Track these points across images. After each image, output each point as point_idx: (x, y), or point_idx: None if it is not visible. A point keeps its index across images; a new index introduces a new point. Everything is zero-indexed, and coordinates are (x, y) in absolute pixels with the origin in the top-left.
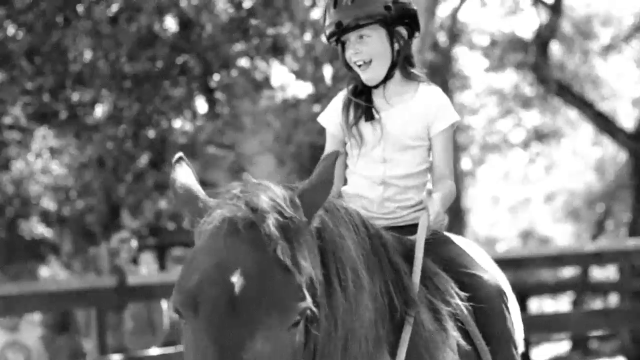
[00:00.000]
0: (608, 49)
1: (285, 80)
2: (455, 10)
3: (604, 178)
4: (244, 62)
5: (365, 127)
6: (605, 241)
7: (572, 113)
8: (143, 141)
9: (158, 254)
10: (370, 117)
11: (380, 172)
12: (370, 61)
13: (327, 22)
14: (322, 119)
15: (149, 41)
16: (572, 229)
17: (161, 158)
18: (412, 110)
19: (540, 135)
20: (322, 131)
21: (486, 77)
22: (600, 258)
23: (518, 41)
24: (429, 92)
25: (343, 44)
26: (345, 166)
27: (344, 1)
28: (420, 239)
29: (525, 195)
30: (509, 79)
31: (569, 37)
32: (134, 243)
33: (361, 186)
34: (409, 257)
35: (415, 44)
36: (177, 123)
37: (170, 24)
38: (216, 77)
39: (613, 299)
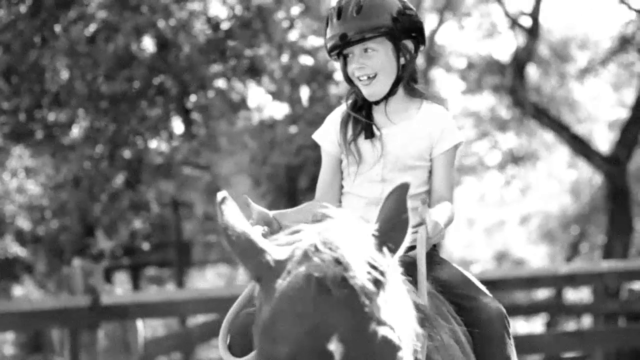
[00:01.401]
0: (585, 72)
1: (261, 102)
2: (433, 33)
3: (579, 200)
4: (221, 83)
5: (364, 144)
6: (579, 263)
7: (548, 136)
8: (119, 161)
9: (132, 274)
10: (370, 135)
11: (378, 193)
12: (375, 75)
13: (329, 34)
14: (317, 136)
15: (126, 61)
16: (547, 250)
17: (137, 178)
18: (415, 129)
19: (516, 158)
20: (298, 152)
21: (463, 99)
22: (574, 280)
23: (495, 64)
24: (434, 111)
25: (345, 57)
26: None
27: (349, 12)
28: (421, 253)
29: (501, 217)
30: (486, 101)
31: (546, 60)
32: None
33: (356, 207)
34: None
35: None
36: (153, 143)
37: (148, 44)
38: (193, 98)
39: (587, 321)
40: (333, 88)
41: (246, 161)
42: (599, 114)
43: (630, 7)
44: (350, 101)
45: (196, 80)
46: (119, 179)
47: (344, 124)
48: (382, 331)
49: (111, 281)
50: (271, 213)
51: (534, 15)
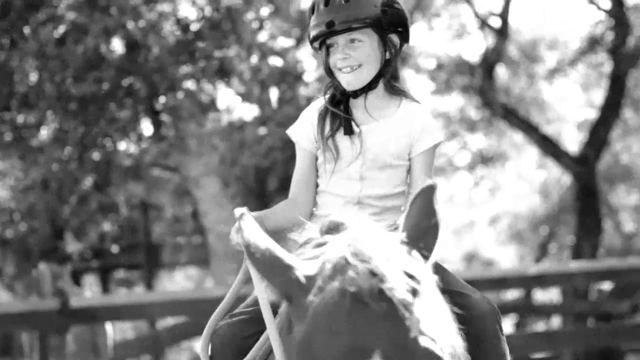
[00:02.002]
0: (554, 73)
1: (231, 103)
2: None
3: (548, 201)
4: (190, 84)
5: (342, 140)
6: (548, 264)
7: (518, 136)
8: (88, 163)
9: (101, 277)
10: (349, 131)
11: (355, 191)
12: (359, 67)
13: (314, 22)
14: (292, 132)
15: (95, 63)
16: (516, 251)
17: (106, 180)
18: (395, 127)
19: (485, 159)
20: (268, 153)
21: (432, 100)
22: (543, 280)
23: (464, 64)
24: (413, 110)
25: (327, 48)
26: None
27: (337, 0)
28: None
29: (470, 218)
30: (455, 102)
31: (515, 61)
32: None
33: (333, 206)
34: None
35: None
36: (122, 145)
37: (117, 45)
38: (162, 99)
39: (556, 322)
40: (302, 89)
41: (215, 163)
42: (568, 115)
43: (599, 8)
44: (327, 95)
45: (165, 82)
46: (88, 181)
47: (322, 119)
48: (424, 343)
49: (80, 284)
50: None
51: (503, 15)
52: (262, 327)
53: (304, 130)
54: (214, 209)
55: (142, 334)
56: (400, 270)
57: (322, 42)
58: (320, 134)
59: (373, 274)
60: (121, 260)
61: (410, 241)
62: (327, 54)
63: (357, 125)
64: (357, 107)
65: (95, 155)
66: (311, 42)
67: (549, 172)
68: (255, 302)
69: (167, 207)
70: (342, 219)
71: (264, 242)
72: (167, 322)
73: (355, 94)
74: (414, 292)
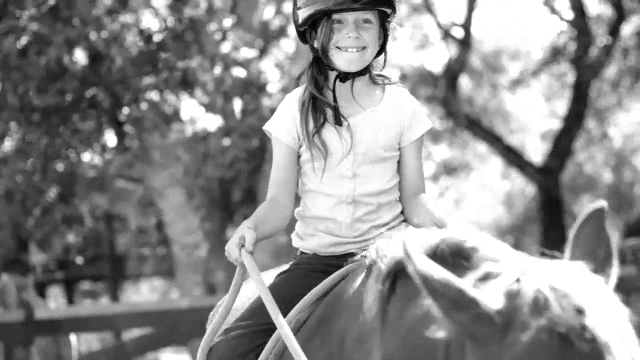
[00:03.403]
0: (517, 83)
1: (194, 114)
2: None
3: (513, 211)
4: (153, 95)
5: (329, 135)
6: None
7: (481, 147)
8: (52, 175)
9: (66, 288)
10: (338, 122)
11: (349, 190)
12: (364, 48)
13: None
14: (271, 127)
15: (58, 74)
16: None
17: (70, 192)
18: (383, 116)
19: (449, 169)
20: (232, 164)
21: None
22: None
23: (428, 75)
24: (400, 96)
25: (315, 29)
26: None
27: None
28: None
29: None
30: None
31: (478, 71)
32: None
33: (325, 207)
34: None
35: None
36: (86, 156)
37: (80, 57)
38: (125, 110)
39: None
40: (266, 100)
41: (179, 173)
42: (532, 125)
43: (561, 18)
44: (310, 83)
45: (129, 93)
46: (52, 193)
47: (305, 112)
48: None
49: (45, 295)
50: (249, 231)
51: (466, 26)
52: (260, 342)
53: (284, 125)
54: (178, 220)
55: (108, 345)
56: (600, 305)
57: (317, 19)
58: (304, 129)
59: (579, 311)
60: (86, 271)
61: (593, 270)
62: (330, 31)
63: (344, 118)
64: (342, 96)
65: (59, 167)
66: (311, 16)
67: (513, 183)
68: (250, 317)
69: (131, 219)
70: (464, 240)
71: (442, 272)
72: (132, 333)
73: (346, 77)
74: (619, 329)
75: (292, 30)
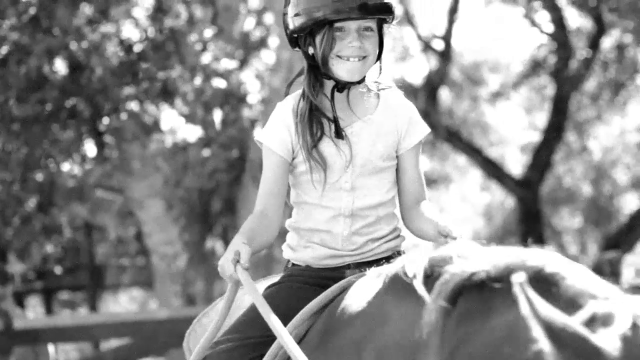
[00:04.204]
0: (496, 96)
1: (174, 124)
2: None
3: (492, 224)
4: (133, 105)
5: (327, 147)
6: None
7: (461, 159)
8: (31, 184)
9: (45, 298)
10: (338, 135)
11: (347, 203)
12: (365, 57)
13: (325, 2)
14: (264, 137)
15: (38, 84)
16: None
17: (49, 201)
18: (380, 124)
19: (429, 181)
20: (211, 175)
21: None
22: None
23: (408, 87)
24: (396, 101)
25: (313, 36)
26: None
27: None
28: None
29: (414, 241)
30: None
31: (458, 84)
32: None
33: (321, 219)
34: None
35: None
36: (66, 166)
37: (60, 66)
38: (105, 120)
39: None
40: (246, 111)
41: (159, 184)
42: (511, 137)
43: (541, 31)
44: (310, 91)
45: (109, 103)
46: (31, 202)
47: (303, 123)
48: None
49: (23, 305)
50: (244, 247)
51: (446, 38)
52: (251, 356)
53: (277, 135)
54: (157, 231)
55: (86, 355)
56: None
57: (316, 27)
58: (303, 141)
59: None
60: (65, 281)
61: None
62: (333, 40)
63: (342, 129)
64: (338, 105)
65: (39, 177)
66: (311, 23)
67: (493, 195)
68: (240, 329)
69: (110, 229)
70: (543, 265)
71: (562, 319)
72: (110, 343)
73: (344, 87)
74: None
75: (272, 41)
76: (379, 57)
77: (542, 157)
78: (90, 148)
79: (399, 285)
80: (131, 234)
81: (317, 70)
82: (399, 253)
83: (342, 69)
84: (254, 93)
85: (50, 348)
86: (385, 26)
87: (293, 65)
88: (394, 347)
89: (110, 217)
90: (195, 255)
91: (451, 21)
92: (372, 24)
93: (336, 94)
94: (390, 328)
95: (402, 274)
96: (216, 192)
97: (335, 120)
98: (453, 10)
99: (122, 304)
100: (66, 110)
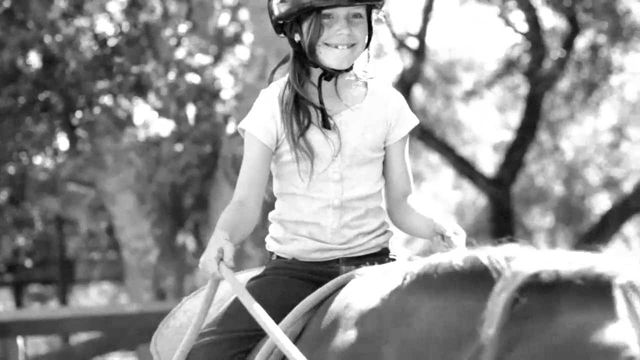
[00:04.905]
0: (470, 95)
1: (147, 119)
2: None
3: (464, 222)
4: (107, 99)
5: (314, 135)
6: None
7: (434, 157)
8: (3, 177)
9: (15, 291)
10: (325, 124)
11: (336, 194)
12: (354, 45)
13: None
14: (248, 125)
15: (11, 77)
16: None
17: (21, 194)
18: (369, 113)
19: None
20: (184, 170)
21: None
22: None
23: None
24: (385, 90)
25: (299, 23)
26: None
27: None
28: None
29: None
30: None
31: (432, 82)
32: None
33: (308, 211)
34: None
35: None
36: (38, 160)
37: (34, 60)
38: (79, 114)
39: None
40: (219, 107)
41: (131, 178)
42: (484, 136)
43: (516, 30)
44: (293, 79)
45: (82, 97)
46: (3, 195)
47: (289, 111)
48: None
49: None
50: (228, 243)
51: (421, 36)
52: (235, 351)
53: (262, 123)
54: (129, 225)
55: (55, 349)
56: None
57: (302, 14)
58: (289, 130)
59: None
60: (35, 274)
61: None
62: (321, 27)
63: (331, 117)
64: (325, 93)
65: (11, 170)
66: (299, 9)
67: (465, 194)
68: (225, 321)
69: (82, 222)
70: (593, 266)
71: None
72: (80, 337)
73: (332, 75)
74: None
75: (247, 37)
76: (367, 45)
77: (515, 156)
78: (62, 142)
79: (427, 282)
80: (102, 228)
81: (304, 58)
82: (386, 250)
83: (330, 57)
84: (227, 89)
85: (20, 341)
86: (374, 12)
87: (267, 62)
88: (424, 341)
89: (82, 211)
90: (166, 250)
91: (426, 19)
92: (361, 10)
93: (323, 82)
94: (418, 323)
95: (471, 266)
96: (188, 187)
97: (322, 109)
98: (428, 9)
99: (92, 298)
100: (39, 103)
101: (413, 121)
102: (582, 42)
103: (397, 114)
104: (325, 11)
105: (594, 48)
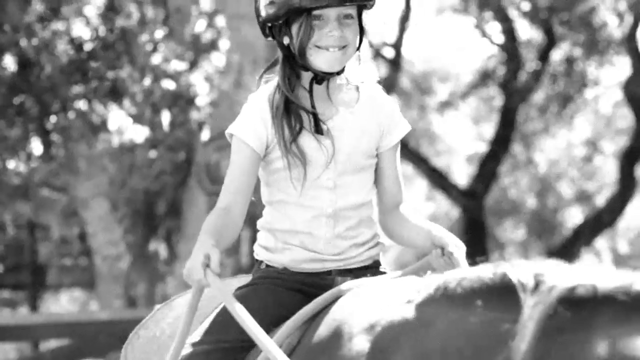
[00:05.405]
0: (445, 106)
1: (122, 124)
2: None
3: None
4: (81, 104)
5: (307, 141)
6: None
7: (407, 168)
8: None
9: None
10: (318, 130)
11: (329, 202)
12: (345, 46)
13: None
14: (236, 129)
15: None
16: None
17: None
18: (362, 118)
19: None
20: (157, 177)
21: None
22: None
23: None
24: (377, 96)
25: (289, 25)
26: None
27: None
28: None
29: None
30: None
31: (407, 92)
32: None
33: (300, 220)
34: None
35: None
36: (11, 164)
37: (9, 63)
38: (53, 118)
39: None
40: (194, 113)
41: (105, 184)
42: (458, 148)
43: (492, 42)
44: (283, 83)
45: (57, 101)
46: None
47: (280, 116)
48: None
49: None
50: (215, 250)
51: (397, 46)
52: (231, 358)
53: (252, 127)
54: (101, 231)
55: (25, 355)
56: None
57: (291, 16)
58: (280, 136)
59: None
60: (6, 280)
61: None
62: (311, 29)
63: (323, 122)
64: (317, 96)
65: None
66: (288, 11)
67: (438, 205)
68: (215, 331)
69: (54, 228)
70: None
71: None
72: (50, 344)
73: (323, 78)
74: None
75: (223, 44)
76: (358, 47)
77: (488, 168)
78: (36, 146)
79: (448, 294)
80: (75, 234)
81: (294, 61)
82: (378, 262)
83: (321, 60)
84: (202, 95)
85: None
86: (364, 12)
87: (243, 68)
88: (443, 351)
89: (54, 216)
90: (138, 257)
91: (402, 29)
92: (352, 10)
93: (315, 86)
94: (436, 333)
95: (505, 280)
96: (161, 194)
97: (314, 114)
98: (404, 19)
99: (63, 304)
100: (14, 107)
101: (405, 127)
102: (557, 55)
103: (390, 120)
104: (315, 12)
105: (570, 61)
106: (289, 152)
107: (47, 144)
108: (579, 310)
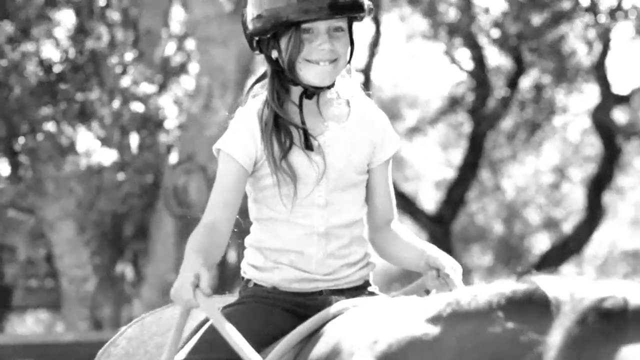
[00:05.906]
0: (413, 131)
1: (90, 147)
2: None
3: None
4: (50, 126)
5: (297, 157)
6: None
7: None
8: None
9: None
10: (308, 146)
11: (320, 220)
12: (336, 60)
13: (287, 2)
14: (224, 144)
15: None
16: None
17: None
18: (354, 133)
19: None
20: (125, 199)
21: None
22: None
23: None
24: (369, 110)
25: (277, 38)
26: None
27: None
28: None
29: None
30: None
31: None
32: None
33: (290, 238)
34: None
35: None
36: None
37: None
38: (21, 140)
39: None
40: (163, 136)
41: (72, 206)
42: (426, 173)
43: (461, 68)
44: (271, 98)
45: (25, 123)
46: None
47: (269, 132)
48: None
49: None
50: (204, 270)
51: (366, 72)
52: None
53: (240, 143)
54: (68, 253)
55: None
56: None
57: (280, 30)
58: (269, 152)
59: None
60: None
61: None
62: (300, 43)
63: (314, 138)
64: (307, 111)
65: None
66: (274, 25)
67: None
68: (203, 349)
69: (21, 249)
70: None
71: None
72: None
73: (313, 93)
74: None
75: (192, 67)
76: (349, 60)
77: (456, 194)
78: (4, 167)
79: (460, 309)
80: (41, 255)
81: (283, 76)
82: (368, 282)
83: (311, 74)
84: (171, 118)
85: None
86: (355, 25)
87: (212, 92)
88: None
89: (21, 238)
90: (104, 279)
91: (372, 55)
92: (342, 23)
93: (305, 100)
94: (448, 346)
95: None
96: (129, 216)
97: (304, 130)
98: (374, 44)
99: (29, 325)
100: None
101: (397, 143)
102: (526, 82)
103: (382, 135)
104: (304, 25)
105: (538, 88)
106: (278, 169)
107: (14, 165)
108: (608, 322)
